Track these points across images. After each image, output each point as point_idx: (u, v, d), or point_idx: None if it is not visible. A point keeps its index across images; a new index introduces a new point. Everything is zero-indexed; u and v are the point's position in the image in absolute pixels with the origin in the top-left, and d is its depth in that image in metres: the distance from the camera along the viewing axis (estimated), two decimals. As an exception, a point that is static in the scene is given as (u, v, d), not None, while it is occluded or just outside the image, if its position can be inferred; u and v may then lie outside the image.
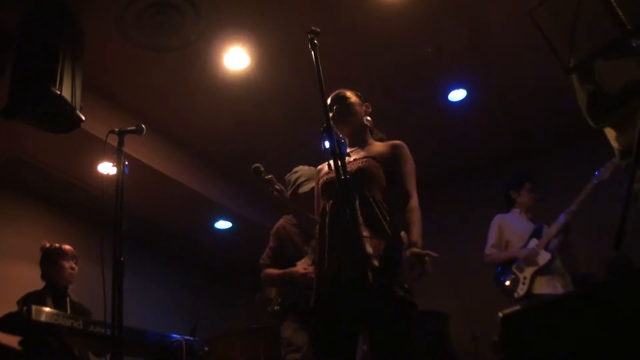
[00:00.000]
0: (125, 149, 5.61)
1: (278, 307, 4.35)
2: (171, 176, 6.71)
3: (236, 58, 5.60)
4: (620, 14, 2.41)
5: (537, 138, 7.31)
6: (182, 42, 5.34)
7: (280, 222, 4.58)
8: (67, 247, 4.88)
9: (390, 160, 3.35)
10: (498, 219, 5.76)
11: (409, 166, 3.37)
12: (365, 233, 3.03)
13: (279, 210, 4.65)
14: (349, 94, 3.55)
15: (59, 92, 4.40)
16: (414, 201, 3.26)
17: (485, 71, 6.17)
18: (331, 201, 3.25)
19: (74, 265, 4.84)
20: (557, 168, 6.89)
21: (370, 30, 5.47)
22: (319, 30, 3.12)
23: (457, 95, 6.53)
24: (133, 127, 3.95)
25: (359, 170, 3.25)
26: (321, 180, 3.43)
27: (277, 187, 4.13)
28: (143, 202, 7.07)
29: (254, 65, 5.71)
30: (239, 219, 7.87)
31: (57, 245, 4.89)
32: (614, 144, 3.27)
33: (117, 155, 3.74)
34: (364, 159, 3.32)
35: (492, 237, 5.68)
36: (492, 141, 7.32)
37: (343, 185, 2.70)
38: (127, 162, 3.83)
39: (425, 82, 6.27)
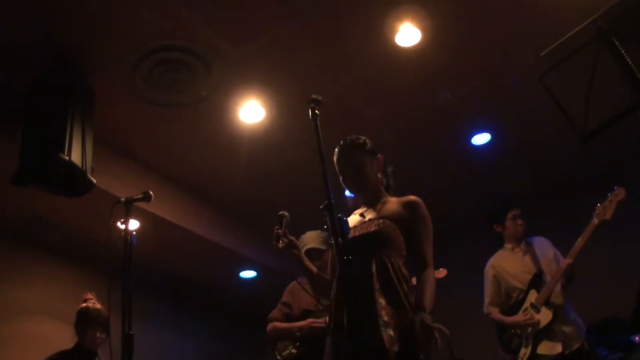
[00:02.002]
0: (144, 205, 5.62)
1: (294, 350, 4.44)
2: (191, 229, 6.64)
3: (252, 111, 5.51)
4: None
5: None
6: (193, 99, 5.27)
7: (294, 282, 4.72)
8: (98, 312, 4.68)
9: (408, 221, 3.14)
10: (490, 267, 5.36)
11: (427, 229, 3.17)
12: (381, 300, 2.88)
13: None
14: (360, 158, 3.30)
15: (68, 158, 4.35)
16: (430, 270, 3.09)
17: (507, 116, 6.01)
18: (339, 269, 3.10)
19: (100, 333, 4.70)
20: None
21: (387, 81, 5.39)
22: (320, 98, 3.01)
23: (481, 139, 6.36)
24: (140, 195, 3.86)
25: (376, 233, 3.08)
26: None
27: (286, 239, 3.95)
28: (167, 256, 7.11)
29: (270, 118, 5.62)
30: (262, 268, 7.76)
31: (90, 307, 4.73)
32: None
33: (124, 226, 3.64)
34: (380, 220, 3.13)
35: (488, 293, 5.32)
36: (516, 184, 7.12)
37: (345, 267, 2.57)
38: (134, 232, 3.72)
39: (448, 127, 6.14)
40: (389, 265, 2.98)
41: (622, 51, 2.31)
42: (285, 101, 5.42)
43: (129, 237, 3.66)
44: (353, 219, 3.31)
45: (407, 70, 5.23)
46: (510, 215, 5.32)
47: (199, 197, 6.81)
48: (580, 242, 4.80)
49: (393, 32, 4.83)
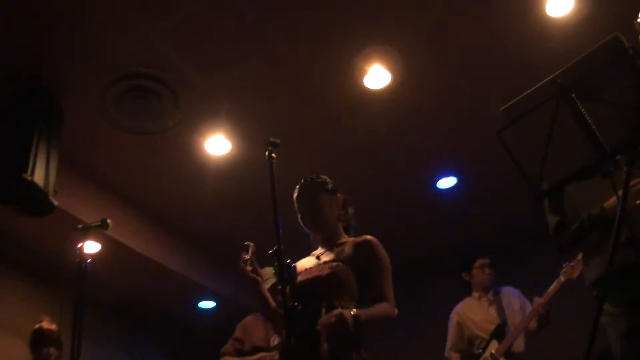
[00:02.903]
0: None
1: None
2: (151, 257, 6.58)
3: (217, 144, 5.53)
4: (598, 135, 2.30)
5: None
6: (160, 127, 5.29)
7: (249, 317, 4.88)
8: (51, 331, 4.68)
9: (364, 263, 3.06)
10: (455, 314, 5.36)
11: (385, 268, 3.08)
12: (325, 346, 2.77)
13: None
14: (319, 198, 3.27)
15: (30, 179, 4.31)
16: (387, 305, 3.01)
17: (474, 159, 6.06)
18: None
19: (54, 350, 4.69)
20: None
21: (353, 122, 5.45)
22: (278, 141, 3.05)
23: (447, 182, 6.42)
24: (98, 223, 3.89)
25: (329, 276, 3.00)
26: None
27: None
28: (127, 281, 7.03)
29: (236, 151, 5.63)
30: (222, 299, 7.70)
31: (44, 326, 4.72)
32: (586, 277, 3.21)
33: (79, 254, 3.63)
34: (334, 263, 3.06)
35: (450, 337, 5.34)
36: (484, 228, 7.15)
37: (289, 316, 2.57)
38: (89, 260, 3.71)
39: (414, 170, 6.18)
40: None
41: (582, 109, 2.34)
42: (251, 136, 5.43)
43: (83, 265, 3.67)
44: (309, 261, 3.26)
45: (375, 113, 5.32)
46: (477, 264, 5.34)
47: (161, 224, 6.76)
48: (547, 296, 4.79)
49: (362, 73, 4.89)
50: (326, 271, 3.03)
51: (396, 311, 3.04)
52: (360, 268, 3.05)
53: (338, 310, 2.76)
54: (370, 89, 5.05)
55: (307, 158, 5.64)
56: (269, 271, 4.63)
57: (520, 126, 2.55)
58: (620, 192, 2.41)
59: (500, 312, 5.17)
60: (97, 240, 5.33)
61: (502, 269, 5.60)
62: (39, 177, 4.40)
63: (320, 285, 2.99)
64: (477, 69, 5.02)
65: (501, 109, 2.60)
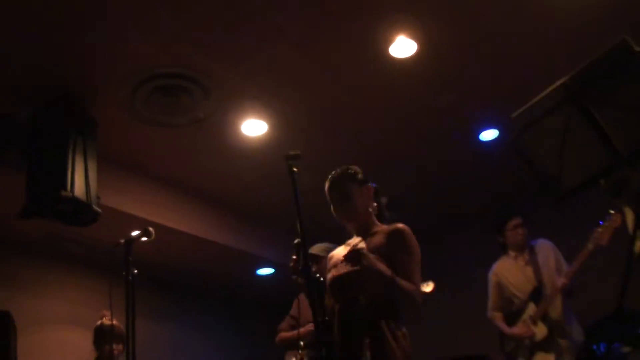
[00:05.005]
0: (156, 219, 5.72)
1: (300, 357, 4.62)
2: (204, 237, 6.78)
3: (253, 127, 5.59)
4: (613, 140, 2.24)
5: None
6: (190, 120, 5.35)
7: (301, 294, 4.80)
8: (112, 327, 4.84)
9: (395, 252, 3.15)
10: (493, 274, 5.46)
11: (415, 256, 3.18)
12: (366, 340, 2.96)
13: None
14: (349, 189, 3.33)
15: (71, 195, 4.43)
16: (415, 289, 3.13)
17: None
18: (338, 306, 3.17)
19: (116, 345, 4.89)
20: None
21: (388, 87, 5.35)
22: (298, 153, 3.13)
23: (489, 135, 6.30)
24: (139, 232, 3.96)
25: (363, 270, 3.06)
26: (329, 275, 3.31)
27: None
28: (184, 259, 7.26)
29: (272, 131, 5.68)
30: (279, 265, 7.81)
31: (105, 322, 4.97)
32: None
33: (124, 265, 3.75)
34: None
35: (491, 298, 5.42)
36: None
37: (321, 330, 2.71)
38: (136, 271, 3.83)
39: (453, 127, 6.10)
40: (374, 302, 3.04)
41: (593, 112, 2.29)
42: (284, 116, 5.50)
43: (130, 277, 3.78)
44: (342, 252, 3.32)
45: (405, 80, 5.25)
46: (510, 225, 5.35)
47: (210, 204, 6.91)
48: (575, 265, 4.85)
49: (388, 43, 4.81)
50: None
51: (421, 298, 3.14)
52: (391, 256, 3.13)
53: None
54: (397, 58, 4.95)
55: (339, 130, 5.79)
56: (316, 246, 4.72)
57: (533, 132, 2.50)
58: None
59: (537, 271, 5.20)
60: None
61: (538, 224, 5.64)
62: (79, 190, 4.51)
63: (356, 278, 3.09)
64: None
65: (512, 115, 2.54)
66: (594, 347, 5.24)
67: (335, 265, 3.30)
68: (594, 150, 2.31)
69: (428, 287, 5.04)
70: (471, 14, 4.67)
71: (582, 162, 2.39)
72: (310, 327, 4.51)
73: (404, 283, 3.04)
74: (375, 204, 3.44)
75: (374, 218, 3.40)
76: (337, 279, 3.21)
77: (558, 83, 2.37)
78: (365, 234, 3.32)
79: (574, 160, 2.38)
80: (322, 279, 3.19)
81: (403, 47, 4.84)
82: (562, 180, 2.43)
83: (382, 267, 3.00)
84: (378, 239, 3.24)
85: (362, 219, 3.35)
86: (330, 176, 3.40)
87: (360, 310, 3.02)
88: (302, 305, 4.81)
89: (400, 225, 3.26)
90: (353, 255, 3.00)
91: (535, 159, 2.52)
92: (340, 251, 3.41)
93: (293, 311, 4.97)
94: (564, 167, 2.40)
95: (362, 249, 3.01)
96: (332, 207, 3.35)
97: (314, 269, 3.94)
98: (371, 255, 2.99)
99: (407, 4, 4.51)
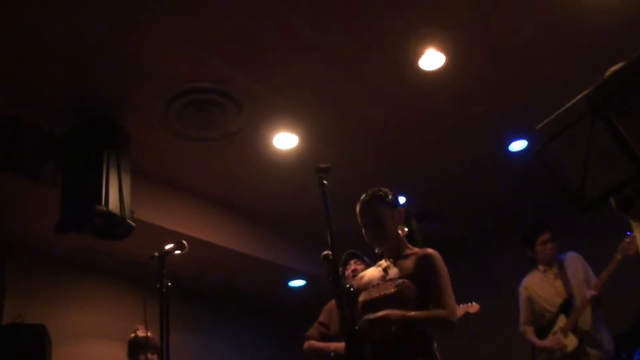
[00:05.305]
0: (189, 232, 5.79)
1: None
2: (237, 249, 6.83)
3: (284, 140, 5.67)
4: (635, 150, 2.26)
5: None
6: (223, 134, 5.42)
7: (332, 301, 4.76)
8: (146, 338, 4.85)
9: (426, 277, 3.16)
10: (524, 289, 5.44)
11: (445, 280, 3.19)
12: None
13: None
14: (380, 211, 3.32)
15: (106, 209, 4.51)
16: (446, 312, 3.11)
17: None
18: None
19: (151, 355, 4.91)
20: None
21: (417, 99, 5.41)
22: (328, 166, 3.18)
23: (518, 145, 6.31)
24: (172, 245, 4.01)
25: (395, 295, 3.11)
26: (361, 298, 3.29)
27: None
28: (216, 272, 7.31)
29: (303, 144, 5.76)
30: (311, 277, 7.86)
31: (139, 334, 4.95)
32: None
33: (158, 278, 3.82)
34: (399, 281, 3.16)
35: (522, 312, 5.44)
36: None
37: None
38: (170, 283, 3.89)
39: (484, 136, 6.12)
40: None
41: (616, 123, 2.31)
42: (315, 130, 5.59)
43: (164, 290, 3.84)
44: (375, 273, 3.37)
45: (434, 92, 5.30)
46: (539, 240, 5.35)
47: (241, 216, 6.96)
48: (604, 275, 4.90)
49: (417, 56, 4.87)
50: (392, 289, 3.14)
51: (455, 318, 3.15)
52: (422, 281, 3.15)
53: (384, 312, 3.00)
54: (426, 70, 5.01)
55: (369, 143, 5.85)
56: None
57: (557, 143, 2.52)
58: None
59: (567, 285, 5.21)
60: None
61: (568, 235, 5.62)
62: (113, 205, 4.60)
63: (388, 303, 3.09)
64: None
65: (537, 127, 2.57)
66: (624, 354, 5.23)
67: (366, 288, 3.32)
68: (618, 160, 2.32)
69: (472, 309, 5.05)
70: (498, 26, 4.71)
71: (605, 172, 2.41)
72: (341, 345, 4.46)
73: (432, 313, 3.09)
74: (406, 228, 3.43)
75: (405, 241, 3.40)
76: (368, 303, 3.21)
77: (582, 94, 2.39)
78: (396, 257, 3.33)
79: (597, 171, 2.40)
80: (352, 289, 3.22)
81: (432, 59, 4.90)
82: (585, 190, 2.44)
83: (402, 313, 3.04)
84: (409, 264, 3.25)
85: (393, 242, 3.35)
86: (361, 199, 3.40)
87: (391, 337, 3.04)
88: (332, 313, 4.83)
89: (429, 250, 3.28)
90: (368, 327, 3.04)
91: (559, 169, 2.53)
92: (372, 272, 3.43)
93: (323, 317, 4.95)
94: (587, 177, 2.41)
95: (375, 317, 3.02)
96: (363, 230, 3.35)
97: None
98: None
99: (436, 18, 4.57)
